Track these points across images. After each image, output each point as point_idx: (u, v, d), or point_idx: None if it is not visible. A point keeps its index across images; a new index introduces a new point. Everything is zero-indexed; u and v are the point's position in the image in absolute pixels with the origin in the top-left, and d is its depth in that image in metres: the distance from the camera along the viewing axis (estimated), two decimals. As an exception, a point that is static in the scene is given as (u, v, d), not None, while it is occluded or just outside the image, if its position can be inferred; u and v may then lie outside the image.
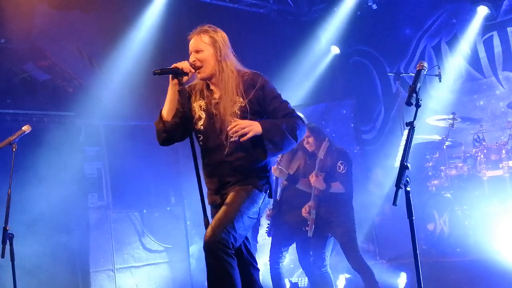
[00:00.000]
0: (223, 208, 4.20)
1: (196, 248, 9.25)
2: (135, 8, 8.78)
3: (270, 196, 4.42)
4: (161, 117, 4.37)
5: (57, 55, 8.29)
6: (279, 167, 6.83)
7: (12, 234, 5.72)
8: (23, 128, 5.96)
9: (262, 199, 4.33)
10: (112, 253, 8.68)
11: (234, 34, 9.08)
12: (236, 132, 4.07)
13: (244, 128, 4.07)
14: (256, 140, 4.17)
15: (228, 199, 4.23)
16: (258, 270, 4.53)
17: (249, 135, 4.09)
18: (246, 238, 4.47)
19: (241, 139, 4.11)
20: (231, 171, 4.29)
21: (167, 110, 4.35)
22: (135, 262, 8.96)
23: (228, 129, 4.14)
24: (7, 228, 5.69)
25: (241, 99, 4.27)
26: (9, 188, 5.76)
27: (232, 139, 4.22)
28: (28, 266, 7.38)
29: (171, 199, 9.60)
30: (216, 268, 4.04)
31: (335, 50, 10.26)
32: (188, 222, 9.50)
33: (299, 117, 4.34)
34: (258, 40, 10.23)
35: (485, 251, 7.03)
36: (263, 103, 4.31)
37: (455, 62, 9.46)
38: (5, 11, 7.67)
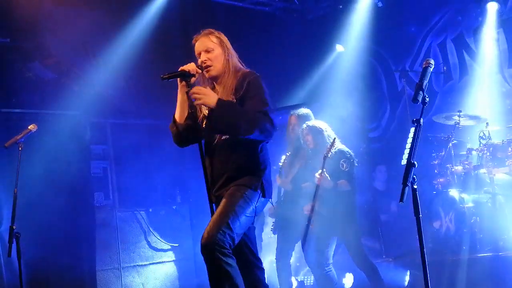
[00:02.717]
0: (218, 209, 4.24)
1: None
2: (140, 6, 8.78)
3: (264, 196, 4.41)
4: (174, 120, 4.52)
5: (62, 54, 8.30)
6: (282, 178, 7.12)
7: (19, 233, 5.74)
8: (29, 127, 5.98)
9: (257, 198, 4.35)
10: (118, 252, 8.70)
11: (239, 32, 9.15)
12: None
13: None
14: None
15: (223, 200, 4.27)
16: (263, 270, 4.56)
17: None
18: (249, 239, 4.52)
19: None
20: (225, 167, 4.36)
21: (179, 113, 4.50)
22: (141, 261, 8.97)
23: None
24: (14, 227, 5.71)
25: (232, 97, 4.35)
26: (15, 187, 5.78)
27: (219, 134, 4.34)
28: (35, 265, 7.40)
29: (177, 198, 9.62)
30: (215, 270, 4.07)
31: (340, 48, 10.24)
32: (194, 221, 9.51)
33: (268, 117, 4.27)
34: (264, 38, 10.22)
35: (492, 249, 7.02)
36: (245, 95, 4.35)
37: (460, 59, 9.43)
38: (11, 9, 7.68)
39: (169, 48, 9.16)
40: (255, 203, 4.33)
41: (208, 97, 4.22)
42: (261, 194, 4.37)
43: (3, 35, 7.81)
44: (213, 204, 4.46)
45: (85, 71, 8.38)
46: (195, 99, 4.23)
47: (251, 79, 4.36)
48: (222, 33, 4.57)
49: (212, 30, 4.54)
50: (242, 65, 4.58)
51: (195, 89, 4.25)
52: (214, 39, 4.48)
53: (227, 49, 4.48)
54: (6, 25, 7.78)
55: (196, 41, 4.51)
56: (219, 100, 4.22)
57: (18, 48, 7.94)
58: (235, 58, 4.53)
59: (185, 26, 9.43)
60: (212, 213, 4.29)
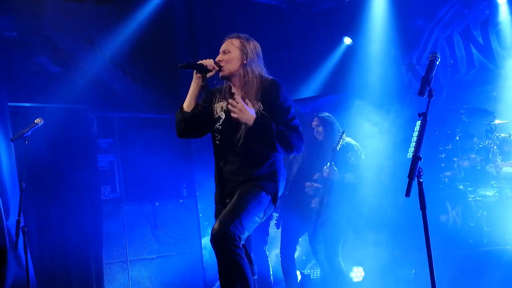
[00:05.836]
0: (231, 204, 4.29)
1: (209, 240, 9.26)
2: (146, 0, 8.77)
3: (274, 202, 4.49)
4: (181, 109, 4.57)
5: (69, 48, 8.30)
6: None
7: (26, 227, 5.76)
8: (35, 121, 6.00)
9: (268, 203, 4.42)
10: (125, 245, 8.72)
11: (245, 26, 9.13)
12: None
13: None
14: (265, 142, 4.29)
15: (236, 196, 4.32)
16: (255, 275, 4.56)
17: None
18: (248, 240, 4.52)
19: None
20: (241, 171, 4.41)
21: (188, 103, 4.56)
22: (148, 254, 8.99)
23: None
24: (20, 221, 5.73)
25: (259, 104, 4.40)
26: (22, 181, 5.80)
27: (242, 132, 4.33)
28: (41, 259, 7.43)
29: (184, 192, 9.63)
30: (226, 260, 4.11)
31: (348, 41, 10.22)
32: (200, 215, 9.53)
33: (300, 133, 4.40)
34: (270, 32, 10.19)
35: (498, 243, 7.00)
36: (271, 108, 4.40)
37: (467, 52, 9.39)
38: (17, 4, 7.68)
39: (176, 42, 9.15)
40: (266, 206, 4.40)
41: (244, 114, 4.23)
42: (271, 201, 4.44)
43: (9, 29, 7.82)
44: (216, 205, 4.56)
45: (92, 65, 8.38)
46: (232, 111, 4.24)
47: (278, 90, 4.41)
48: (252, 40, 4.63)
49: (241, 35, 4.61)
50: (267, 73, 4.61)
51: (233, 102, 4.25)
52: (236, 43, 4.54)
53: (246, 55, 4.50)
54: (13, 19, 7.79)
55: (224, 42, 4.59)
56: (257, 118, 4.25)
57: (25, 42, 7.94)
58: (257, 66, 4.55)
59: (191, 20, 9.40)
60: (217, 217, 4.32)
